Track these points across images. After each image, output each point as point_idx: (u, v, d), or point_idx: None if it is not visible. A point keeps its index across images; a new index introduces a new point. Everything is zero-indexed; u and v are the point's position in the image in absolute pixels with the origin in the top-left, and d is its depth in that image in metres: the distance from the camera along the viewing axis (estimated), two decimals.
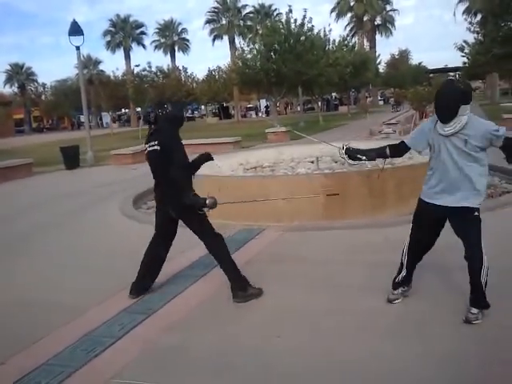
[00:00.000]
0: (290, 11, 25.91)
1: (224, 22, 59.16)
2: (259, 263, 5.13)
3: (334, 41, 34.20)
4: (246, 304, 4.14)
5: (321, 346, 3.36)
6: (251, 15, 58.58)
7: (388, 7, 60.34)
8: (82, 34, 16.64)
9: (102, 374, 3.21)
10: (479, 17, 28.18)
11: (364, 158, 4.05)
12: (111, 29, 62.50)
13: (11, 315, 4.34)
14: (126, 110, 61.90)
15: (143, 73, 34.21)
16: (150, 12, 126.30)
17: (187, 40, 66.21)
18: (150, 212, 8.61)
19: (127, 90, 35.16)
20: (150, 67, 34.17)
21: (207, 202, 4.17)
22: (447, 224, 3.71)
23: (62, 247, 6.41)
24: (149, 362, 3.33)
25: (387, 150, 3.97)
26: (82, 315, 4.14)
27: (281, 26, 25.92)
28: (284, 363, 3.19)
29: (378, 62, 47.26)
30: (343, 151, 4.08)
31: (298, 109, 40.93)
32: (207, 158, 4.59)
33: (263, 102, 61.24)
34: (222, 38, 59.88)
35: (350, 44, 38.49)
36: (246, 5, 59.51)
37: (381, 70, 51.74)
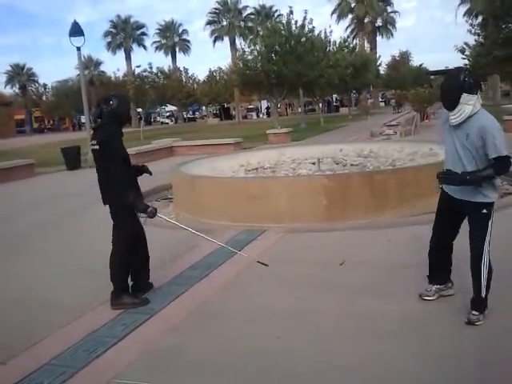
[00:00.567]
0: (291, 12, 26.00)
1: (225, 23, 59.22)
2: (260, 264, 5.12)
3: (335, 42, 34.25)
4: (247, 305, 4.14)
5: (321, 347, 3.36)
6: (252, 16, 58.64)
7: (389, 9, 60.40)
8: (83, 35, 16.65)
9: (103, 374, 3.22)
10: (480, 19, 28.16)
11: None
12: (112, 30, 62.58)
13: (12, 315, 4.35)
14: None
15: (144, 74, 34.13)
16: (151, 12, 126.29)
17: (188, 41, 66.32)
18: None
19: (128, 90, 35.13)
20: (150, 68, 34.13)
21: (148, 209, 4.18)
22: None
23: (62, 247, 6.41)
24: (150, 362, 3.33)
25: None
26: (84, 315, 4.15)
27: (281, 28, 25.96)
28: (284, 364, 3.19)
29: (378, 63, 47.25)
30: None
31: (299, 110, 40.94)
32: (144, 170, 4.54)
33: (264, 103, 61.25)
34: (222, 39, 59.97)
35: (351, 45, 38.50)
36: (247, 6, 59.75)
37: (382, 72, 51.74)
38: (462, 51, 29.00)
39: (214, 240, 5.10)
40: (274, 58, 25.28)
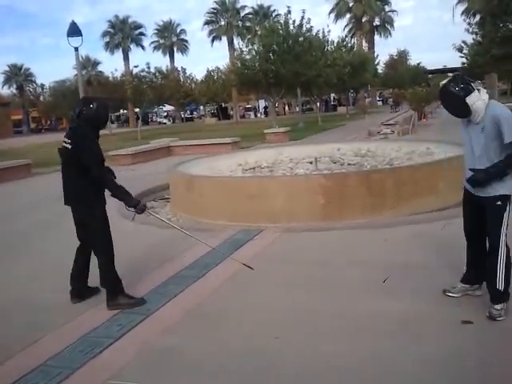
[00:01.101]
0: (289, 12, 25.98)
1: (223, 22, 59.21)
2: (257, 264, 5.11)
3: (333, 42, 34.25)
4: (245, 305, 4.13)
5: (319, 347, 3.35)
6: (250, 16, 58.68)
7: (387, 8, 60.48)
8: (81, 35, 16.64)
9: (99, 374, 3.20)
10: (478, 17, 28.19)
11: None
12: (110, 30, 62.49)
13: (9, 315, 4.33)
14: (125, 111, 61.88)
15: (142, 74, 34.12)
16: (150, 13, 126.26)
17: (186, 41, 66.30)
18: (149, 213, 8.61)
19: (126, 90, 35.11)
20: (148, 68, 34.12)
21: (139, 205, 4.24)
22: None
23: (60, 247, 6.38)
24: (146, 363, 3.32)
25: None
26: (81, 315, 4.13)
27: (279, 27, 25.95)
28: (282, 364, 3.18)
29: (376, 62, 47.27)
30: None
31: (297, 109, 40.95)
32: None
33: (262, 103, 61.26)
34: (220, 39, 59.96)
35: (349, 45, 38.51)
36: (245, 6, 59.73)
37: (379, 71, 51.77)
38: (460, 50, 29.04)
39: (203, 241, 5.06)
40: (272, 57, 25.28)
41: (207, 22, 60.26)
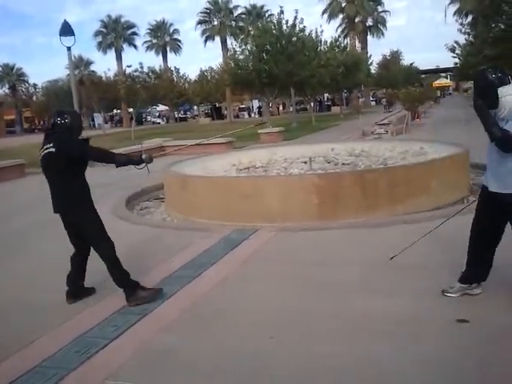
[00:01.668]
0: (282, 12, 26.00)
1: (216, 22, 59.13)
2: (253, 264, 5.13)
3: (326, 42, 34.30)
4: (240, 305, 4.14)
5: (314, 347, 3.36)
6: (243, 16, 58.63)
7: (379, 8, 60.63)
8: (73, 35, 16.58)
9: (95, 375, 3.20)
10: (470, 18, 28.32)
11: None
12: (102, 29, 62.25)
13: (5, 315, 4.31)
14: (118, 111, 61.68)
15: (135, 73, 34.01)
16: (143, 12, 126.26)
17: (179, 41, 66.16)
18: (143, 213, 8.61)
19: (119, 90, 35.00)
20: (141, 68, 34.02)
21: (143, 157, 4.30)
22: None
23: (57, 247, 6.34)
24: (143, 363, 3.31)
25: None
26: (76, 316, 4.12)
27: (272, 27, 25.96)
28: (277, 365, 3.18)
29: (369, 62, 47.41)
30: None
31: (291, 109, 40.98)
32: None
33: (256, 103, 61.24)
34: (213, 39, 59.86)
35: (342, 45, 38.57)
36: (238, 6, 59.74)
37: (373, 71, 51.92)
38: (453, 50, 29.14)
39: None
40: (265, 57, 25.29)
41: (200, 22, 60.19)
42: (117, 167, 4.31)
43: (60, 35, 16.43)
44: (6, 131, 59.55)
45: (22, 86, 66.22)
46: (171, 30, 65.13)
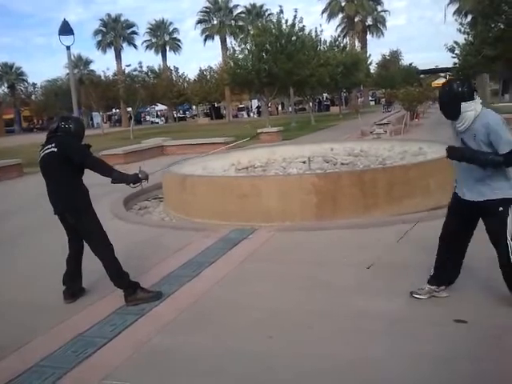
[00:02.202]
0: (281, 11, 25.99)
1: (215, 22, 59.12)
2: (251, 263, 5.13)
3: (326, 41, 34.31)
4: (239, 304, 4.13)
5: (313, 347, 3.36)
6: (242, 15, 58.62)
7: (379, 8, 60.67)
8: (73, 34, 16.52)
9: (93, 375, 3.19)
10: (469, 18, 28.35)
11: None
12: (102, 28, 62.23)
13: (2, 315, 4.30)
14: (117, 110, 61.66)
15: (134, 73, 33.96)
16: (144, 12, 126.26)
17: (178, 40, 66.14)
18: (142, 213, 8.59)
19: (118, 90, 34.97)
20: (141, 67, 33.97)
21: (139, 175, 4.27)
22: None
23: (55, 247, 6.34)
24: (140, 363, 3.31)
25: None
26: (73, 316, 4.11)
27: (272, 27, 25.95)
28: (275, 364, 3.18)
29: (369, 62, 47.41)
30: None
31: (290, 109, 40.98)
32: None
33: (255, 103, 61.24)
34: (213, 38, 59.88)
35: (342, 44, 38.60)
36: (238, 5, 59.60)
37: (372, 71, 51.93)
38: (452, 50, 29.19)
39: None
40: (265, 56, 25.26)
41: (200, 21, 60.18)
42: (112, 182, 4.28)
43: (59, 34, 16.38)
44: (5, 130, 59.52)
45: (21, 85, 66.16)
46: (171, 30, 65.17)
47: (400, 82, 47.56)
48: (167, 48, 64.79)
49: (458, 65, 37.21)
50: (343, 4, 57.44)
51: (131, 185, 4.35)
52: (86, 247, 4.46)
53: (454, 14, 43.00)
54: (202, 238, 6.11)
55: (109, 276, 4.31)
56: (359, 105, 47.54)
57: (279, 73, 24.81)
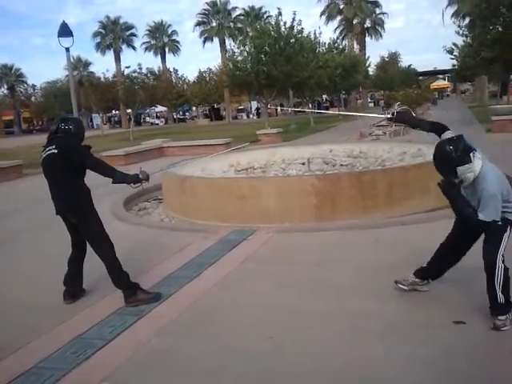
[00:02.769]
0: (280, 14, 26.00)
1: (214, 24, 59.12)
2: (251, 264, 5.13)
3: (324, 43, 34.32)
4: (239, 305, 4.13)
5: (312, 348, 3.36)
6: (241, 17, 58.60)
7: (377, 10, 60.68)
8: (72, 36, 16.53)
9: (92, 376, 3.19)
10: (468, 20, 28.40)
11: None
12: (101, 30, 62.20)
13: (1, 316, 4.29)
14: (117, 112, 61.64)
15: (133, 74, 33.97)
16: (142, 14, 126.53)
17: (178, 42, 66.12)
18: (142, 214, 8.59)
19: (117, 91, 34.97)
20: (140, 69, 33.98)
21: (140, 175, 4.27)
22: None
23: (52, 249, 6.35)
24: (140, 364, 3.31)
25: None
26: (73, 317, 4.11)
27: (271, 29, 25.96)
28: (276, 364, 3.19)
29: (367, 64, 47.46)
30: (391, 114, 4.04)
31: (289, 111, 41.01)
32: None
33: (254, 104, 61.26)
34: (212, 40, 59.85)
35: (340, 46, 38.60)
36: (236, 7, 59.60)
37: (371, 73, 51.98)
38: (451, 52, 29.26)
39: None
40: (264, 58, 25.28)
41: (199, 23, 60.15)
42: (113, 183, 4.30)
43: (58, 36, 16.39)
44: (5, 132, 59.50)
45: (21, 86, 66.16)
46: (170, 31, 65.14)
47: (399, 84, 47.70)
48: (166, 50, 64.79)
49: (456, 67, 37.31)
50: (342, 6, 57.45)
51: (132, 185, 4.35)
52: (89, 249, 4.46)
53: (452, 16, 43.06)
54: (201, 239, 6.11)
55: (110, 277, 4.31)
56: (358, 106, 47.54)
57: (278, 75, 24.83)
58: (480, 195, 3.37)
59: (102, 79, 38.62)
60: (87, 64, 65.12)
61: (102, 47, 62.10)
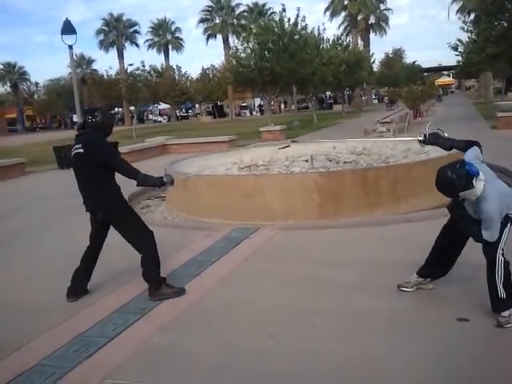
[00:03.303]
0: (284, 10, 25.92)
1: (218, 20, 59.10)
2: (254, 262, 5.11)
3: (328, 40, 34.24)
4: (241, 303, 4.12)
5: (315, 346, 3.34)
6: (245, 14, 58.59)
7: (382, 6, 60.48)
8: (75, 33, 16.50)
9: (94, 374, 3.18)
10: (473, 16, 28.21)
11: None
12: (104, 28, 62.28)
13: (3, 315, 4.29)
14: (120, 109, 61.71)
15: (137, 72, 33.94)
16: (146, 11, 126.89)
17: (181, 39, 66.20)
18: (144, 211, 8.57)
19: (120, 89, 34.97)
20: (143, 66, 33.96)
21: (165, 179, 4.19)
22: None
23: (52, 247, 6.35)
24: (142, 362, 3.30)
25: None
26: (75, 315, 4.10)
27: (274, 25, 25.89)
28: (277, 363, 3.17)
29: (372, 60, 47.32)
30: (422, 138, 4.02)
31: (293, 107, 40.95)
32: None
33: (257, 101, 61.19)
34: (215, 37, 59.88)
35: (344, 43, 38.50)
36: (240, 4, 59.65)
37: (375, 69, 51.82)
38: (455, 48, 29.05)
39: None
40: (267, 55, 25.22)
41: (202, 20, 60.19)
42: (137, 185, 4.24)
43: (62, 34, 16.36)
44: (8, 130, 59.64)
45: (24, 84, 66.36)
46: (173, 29, 65.18)
47: (403, 81, 47.52)
48: (170, 47, 64.82)
49: (461, 63, 37.12)
50: (346, 2, 57.24)
51: (156, 188, 4.29)
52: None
53: (458, 12, 42.80)
54: (204, 237, 6.09)
55: (143, 269, 4.27)
56: (362, 103, 47.40)
57: (282, 71, 24.77)
58: (481, 216, 3.40)
59: (105, 77, 38.67)
60: (90, 61, 65.31)
61: (105, 44, 62.21)
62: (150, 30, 64.40)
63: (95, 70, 59.74)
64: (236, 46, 28.40)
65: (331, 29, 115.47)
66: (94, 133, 4.18)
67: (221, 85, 48.22)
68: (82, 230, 7.02)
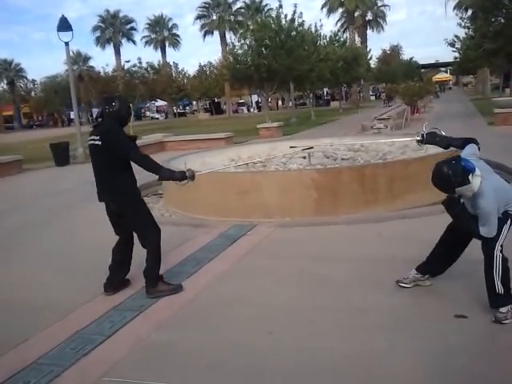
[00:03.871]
0: (280, 6, 25.85)
1: (215, 17, 58.93)
2: (251, 259, 5.11)
3: (326, 36, 34.16)
4: (238, 300, 4.11)
5: (313, 343, 3.34)
6: (242, 10, 58.42)
7: (379, 2, 60.45)
8: (71, 30, 16.45)
9: (92, 372, 3.17)
10: (470, 12, 28.22)
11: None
12: (101, 24, 62.08)
13: (0, 313, 4.27)
14: None
15: (133, 69, 33.85)
16: (143, 7, 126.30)
17: (178, 36, 66.03)
18: None
19: (117, 85, 34.86)
20: (140, 63, 33.86)
21: (187, 174, 4.18)
22: None
23: (50, 245, 6.33)
24: (140, 359, 3.29)
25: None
26: (72, 313, 4.09)
27: (271, 22, 25.82)
28: (276, 359, 3.17)
29: (369, 57, 47.27)
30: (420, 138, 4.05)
31: (290, 104, 40.90)
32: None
33: (255, 98, 61.11)
34: (212, 34, 59.71)
35: (342, 39, 38.43)
36: (237, 0, 59.37)
37: (372, 66, 51.79)
38: (453, 44, 29.07)
39: None
40: (264, 52, 25.15)
41: (199, 17, 60.01)
42: (159, 179, 4.22)
43: (58, 30, 16.31)
44: (5, 127, 59.45)
45: (21, 81, 66.05)
46: (170, 25, 65.00)
47: (401, 77, 47.50)
48: (166, 44, 64.64)
49: (458, 59, 37.13)
50: None
51: (177, 182, 4.27)
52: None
53: (455, 8, 42.83)
54: (201, 234, 6.09)
55: (146, 261, 4.26)
56: (359, 99, 47.35)
57: (279, 68, 24.72)
58: (478, 212, 3.41)
59: (102, 74, 38.54)
60: (87, 58, 65.09)
61: (101, 41, 62.06)
62: (147, 26, 64.26)
63: (92, 66, 59.62)
64: (233, 43, 28.31)
65: (328, 25, 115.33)
66: (111, 123, 4.16)
67: (218, 82, 48.13)
68: (81, 227, 7.07)
